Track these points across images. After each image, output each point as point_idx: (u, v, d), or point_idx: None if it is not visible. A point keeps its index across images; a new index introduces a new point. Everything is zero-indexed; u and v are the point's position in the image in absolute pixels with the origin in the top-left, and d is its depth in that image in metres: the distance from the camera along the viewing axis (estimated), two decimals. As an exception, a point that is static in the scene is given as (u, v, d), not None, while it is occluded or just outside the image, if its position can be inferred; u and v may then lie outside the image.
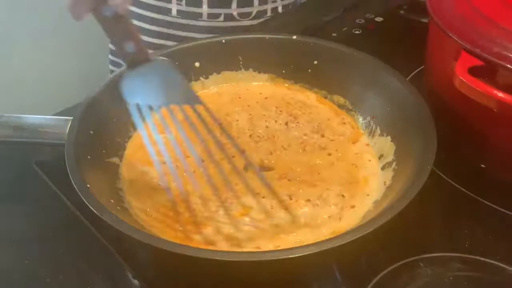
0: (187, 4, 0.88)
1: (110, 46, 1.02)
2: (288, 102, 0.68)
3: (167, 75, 0.52)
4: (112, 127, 0.62)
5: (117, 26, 0.49)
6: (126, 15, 0.49)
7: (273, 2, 0.93)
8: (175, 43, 0.70)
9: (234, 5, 0.88)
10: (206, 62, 0.69)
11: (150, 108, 0.52)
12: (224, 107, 0.67)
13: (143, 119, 0.52)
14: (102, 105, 0.61)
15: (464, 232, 0.56)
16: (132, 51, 0.50)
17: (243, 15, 0.91)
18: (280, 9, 0.95)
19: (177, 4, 0.89)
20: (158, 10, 0.91)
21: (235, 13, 0.90)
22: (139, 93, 0.52)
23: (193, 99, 0.53)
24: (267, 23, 0.93)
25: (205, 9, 0.89)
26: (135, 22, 0.95)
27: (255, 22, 0.92)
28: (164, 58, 0.52)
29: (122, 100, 0.63)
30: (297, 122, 0.66)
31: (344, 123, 0.66)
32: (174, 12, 0.90)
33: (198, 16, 0.89)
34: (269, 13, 0.93)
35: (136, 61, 0.51)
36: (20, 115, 0.60)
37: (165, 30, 0.92)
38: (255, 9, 0.90)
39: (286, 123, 0.65)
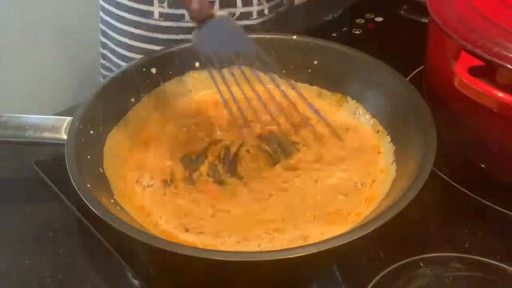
0: (169, 6, 0.88)
1: (101, 50, 1.01)
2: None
3: (230, 28, 0.60)
4: (112, 126, 0.62)
5: None
6: None
7: (259, 4, 0.92)
8: (160, 47, 0.70)
9: (216, 5, 0.88)
10: (206, 62, 0.69)
11: (217, 57, 0.59)
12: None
13: (214, 66, 0.60)
14: (102, 105, 0.61)
15: (464, 232, 0.56)
16: (198, 7, 0.58)
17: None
18: (266, 12, 0.94)
19: (159, 6, 0.89)
20: (140, 13, 0.90)
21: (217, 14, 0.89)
22: (208, 44, 0.59)
23: (252, 49, 0.60)
24: (267, 23, 0.93)
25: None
26: (119, 25, 0.95)
27: (239, 23, 0.91)
28: (224, 14, 0.60)
29: (122, 100, 0.64)
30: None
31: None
32: (156, 15, 0.89)
33: (181, 17, 0.89)
34: (255, 16, 0.92)
35: (202, 18, 0.58)
36: (20, 115, 0.60)
37: (149, 34, 0.92)
38: (238, 10, 0.90)
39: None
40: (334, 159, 0.60)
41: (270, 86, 0.61)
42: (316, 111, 0.61)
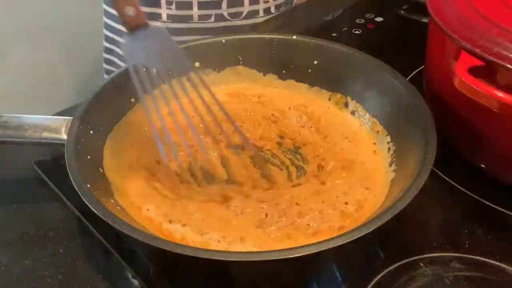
0: (177, 8, 0.88)
1: (105, 43, 1.01)
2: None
3: (164, 42, 0.57)
4: (112, 126, 0.62)
5: None
6: None
7: (265, 2, 0.92)
8: None
9: (224, 5, 0.88)
10: (206, 62, 0.69)
11: (147, 70, 0.56)
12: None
13: (141, 81, 0.55)
14: (102, 105, 0.61)
15: (464, 232, 0.56)
16: (132, 15, 0.55)
17: (233, 15, 0.90)
18: (273, 10, 0.94)
19: (167, 8, 0.89)
20: (147, 16, 0.91)
21: (225, 14, 0.89)
22: (138, 55, 0.56)
23: (186, 66, 0.57)
24: (267, 23, 0.93)
25: (195, 11, 0.89)
26: (122, 28, 0.95)
27: (247, 21, 0.92)
28: (160, 26, 0.55)
29: (122, 100, 0.64)
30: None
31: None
32: (164, 16, 0.90)
33: (189, 18, 0.89)
34: (261, 13, 0.92)
35: (135, 26, 0.56)
36: (20, 115, 0.60)
37: None
38: (245, 9, 0.90)
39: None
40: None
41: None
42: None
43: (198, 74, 0.57)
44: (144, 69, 0.55)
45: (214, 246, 0.51)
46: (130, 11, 0.55)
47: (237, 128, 0.59)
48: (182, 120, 0.56)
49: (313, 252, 0.44)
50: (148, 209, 0.55)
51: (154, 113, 0.55)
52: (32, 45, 1.37)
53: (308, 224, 0.53)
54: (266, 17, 0.94)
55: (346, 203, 0.55)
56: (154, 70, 0.57)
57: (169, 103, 0.56)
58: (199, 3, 0.88)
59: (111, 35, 0.98)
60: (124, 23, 0.56)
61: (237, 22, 0.91)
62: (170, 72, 0.57)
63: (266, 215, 0.54)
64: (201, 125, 0.59)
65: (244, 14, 0.91)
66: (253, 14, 0.92)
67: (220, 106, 0.58)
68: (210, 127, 0.58)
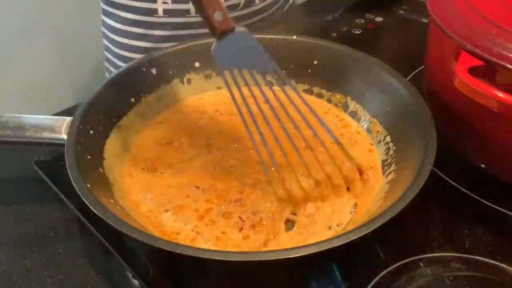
0: (173, 2, 0.88)
1: (104, 41, 1.01)
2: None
3: (249, 44, 0.58)
4: (112, 126, 0.62)
5: None
6: None
7: None
8: (160, 44, 0.70)
9: None
10: (206, 62, 0.69)
11: (238, 72, 0.57)
12: (227, 106, 0.68)
13: (233, 82, 0.57)
14: (102, 105, 0.61)
15: (464, 232, 0.56)
16: (221, 20, 0.56)
17: (231, 7, 0.90)
18: None
19: (163, 3, 0.88)
20: (143, 11, 0.90)
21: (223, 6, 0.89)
22: (228, 59, 0.57)
23: (271, 66, 0.58)
24: (267, 23, 0.93)
25: (191, 5, 0.88)
26: (118, 25, 0.95)
27: (243, 12, 0.91)
28: (245, 28, 0.58)
29: (122, 100, 0.64)
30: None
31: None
32: (160, 11, 0.89)
33: (186, 12, 0.89)
34: (257, 1, 0.92)
35: (224, 30, 0.56)
36: (20, 115, 0.60)
37: (149, 31, 0.92)
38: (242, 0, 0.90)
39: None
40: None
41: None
42: (330, 132, 0.59)
43: (278, 71, 0.59)
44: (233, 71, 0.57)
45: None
46: (219, 16, 0.55)
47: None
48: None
49: (313, 252, 0.44)
50: (144, 206, 0.56)
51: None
52: (32, 45, 1.37)
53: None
54: (262, 4, 0.93)
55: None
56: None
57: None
58: None
59: (109, 33, 0.98)
60: (211, 29, 0.56)
61: (234, 14, 0.91)
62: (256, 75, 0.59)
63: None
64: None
65: (241, 5, 0.90)
66: (249, 3, 0.91)
67: (304, 101, 0.58)
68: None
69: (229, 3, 0.89)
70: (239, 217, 0.54)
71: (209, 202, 0.56)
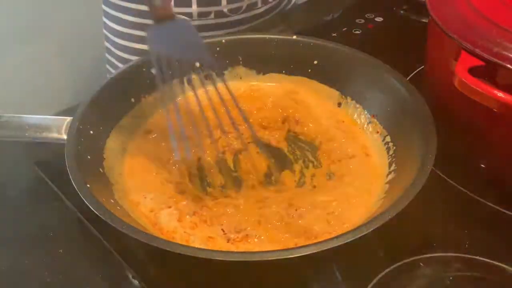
0: (176, 5, 0.88)
1: (106, 44, 1.01)
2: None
3: (188, 34, 0.57)
4: (112, 126, 0.62)
5: None
6: None
7: None
8: None
9: (224, 1, 0.88)
10: (206, 62, 0.69)
11: (170, 59, 0.55)
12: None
13: (161, 71, 0.55)
14: (102, 105, 0.61)
15: (464, 232, 0.56)
16: (160, 5, 0.55)
17: (233, 10, 0.90)
18: None
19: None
20: (145, 14, 0.90)
21: (225, 10, 0.89)
22: (161, 45, 0.56)
23: (207, 60, 0.57)
24: (267, 22, 0.93)
25: (194, 8, 0.88)
26: (116, 26, 0.95)
27: (245, 15, 0.91)
28: (186, 18, 0.56)
29: (122, 100, 0.64)
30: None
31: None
32: None
33: (188, 16, 0.89)
34: (259, 4, 0.92)
35: (161, 16, 0.56)
36: (20, 115, 0.60)
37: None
38: (245, 3, 0.90)
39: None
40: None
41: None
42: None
43: (216, 70, 0.58)
44: (165, 58, 0.56)
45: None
46: (158, 1, 0.55)
47: (249, 123, 0.59)
48: (196, 113, 0.56)
49: (313, 252, 0.44)
50: (144, 205, 0.56)
51: (170, 105, 0.55)
52: (32, 45, 1.37)
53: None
54: (264, 8, 0.93)
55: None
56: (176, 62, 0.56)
57: (185, 94, 0.57)
58: (198, 0, 0.88)
59: (110, 35, 0.98)
60: (150, 12, 0.56)
61: (236, 17, 0.91)
62: (190, 65, 0.57)
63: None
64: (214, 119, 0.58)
65: (243, 8, 0.90)
66: (252, 6, 0.91)
67: (235, 101, 0.57)
68: (224, 120, 0.58)
69: (231, 6, 0.89)
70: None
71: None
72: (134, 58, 0.94)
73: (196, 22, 0.90)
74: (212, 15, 0.89)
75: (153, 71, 0.55)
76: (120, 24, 0.94)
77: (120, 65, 0.98)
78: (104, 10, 0.98)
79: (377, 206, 0.54)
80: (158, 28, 0.56)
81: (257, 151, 0.62)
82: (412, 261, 0.52)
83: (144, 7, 0.89)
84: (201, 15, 0.89)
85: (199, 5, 0.88)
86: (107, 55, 1.03)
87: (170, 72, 0.55)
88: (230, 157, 0.62)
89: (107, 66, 1.04)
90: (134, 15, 0.91)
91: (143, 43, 0.93)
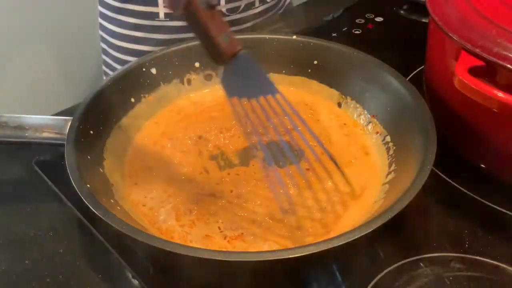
0: None
1: (102, 45, 1.01)
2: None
3: (253, 68, 0.53)
4: (112, 126, 0.62)
5: (212, 19, 0.49)
6: (216, 5, 0.49)
7: None
8: (160, 47, 0.69)
9: (222, 1, 0.88)
10: (206, 62, 0.69)
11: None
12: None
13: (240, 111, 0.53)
14: (102, 105, 0.61)
15: (464, 232, 0.56)
16: (228, 42, 0.51)
17: (231, 10, 0.90)
18: None
19: (165, 7, 0.88)
20: (143, 15, 0.90)
21: (224, 9, 0.89)
22: (236, 87, 0.53)
23: (273, 91, 0.54)
24: (267, 23, 0.93)
25: None
26: (112, 27, 0.95)
27: (243, 15, 0.91)
28: (247, 51, 0.53)
29: (122, 100, 0.64)
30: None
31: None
32: (161, 15, 0.89)
33: None
34: (257, 4, 0.92)
35: (230, 54, 0.52)
36: (20, 115, 0.60)
37: (149, 35, 0.91)
38: (243, 2, 0.90)
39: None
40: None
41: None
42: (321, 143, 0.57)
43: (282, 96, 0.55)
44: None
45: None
46: (226, 37, 0.51)
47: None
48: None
49: (313, 252, 0.44)
50: (144, 205, 0.56)
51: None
52: (32, 46, 1.37)
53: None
54: (262, 7, 0.93)
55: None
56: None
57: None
58: None
59: (106, 36, 0.98)
60: (218, 56, 0.52)
61: (234, 17, 0.91)
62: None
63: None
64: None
65: (241, 8, 0.90)
66: (249, 6, 0.92)
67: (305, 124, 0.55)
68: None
69: (229, 6, 0.89)
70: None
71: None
72: (130, 58, 0.94)
73: None
74: None
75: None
76: (116, 25, 0.94)
77: (116, 65, 0.98)
78: (100, 11, 0.98)
79: (377, 206, 0.54)
80: (229, 69, 0.53)
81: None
82: (412, 261, 0.52)
83: (140, 8, 0.89)
84: None
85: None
86: (103, 55, 1.03)
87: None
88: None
89: (103, 67, 1.04)
90: (130, 16, 0.91)
91: (139, 44, 0.93)
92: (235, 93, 0.53)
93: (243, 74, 0.53)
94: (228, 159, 0.61)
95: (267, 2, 0.94)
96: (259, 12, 0.93)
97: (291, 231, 0.53)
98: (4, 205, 0.60)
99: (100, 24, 0.99)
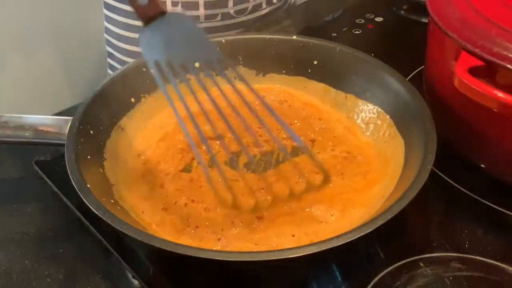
0: (183, 7, 0.88)
1: (108, 49, 1.01)
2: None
3: (185, 29, 0.49)
4: (112, 127, 0.62)
5: None
6: None
7: None
8: None
9: (230, 3, 0.88)
10: (206, 62, 0.69)
11: (170, 65, 0.49)
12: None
13: (165, 78, 0.48)
14: (102, 105, 0.61)
15: (464, 232, 0.56)
16: (144, 3, 0.48)
17: (239, 12, 0.90)
18: (275, 0, 0.95)
19: (173, 9, 0.88)
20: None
21: (231, 11, 0.89)
22: (157, 49, 0.49)
23: (213, 53, 0.50)
24: (267, 23, 0.93)
25: (202, 11, 0.88)
26: (118, 30, 0.95)
27: (251, 16, 0.92)
28: (179, 12, 0.49)
29: (122, 100, 0.64)
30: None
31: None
32: None
33: (195, 18, 0.89)
34: (264, 5, 0.92)
35: (150, 16, 0.48)
36: (20, 115, 0.60)
37: None
38: (250, 4, 0.90)
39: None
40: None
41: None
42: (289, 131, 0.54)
43: (228, 64, 0.50)
44: (166, 64, 0.49)
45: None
46: (141, 0, 0.48)
47: (285, 125, 0.53)
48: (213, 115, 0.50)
49: (313, 252, 0.44)
50: (143, 211, 0.56)
51: (182, 110, 0.49)
52: (32, 45, 1.37)
53: None
54: (268, 9, 0.94)
55: None
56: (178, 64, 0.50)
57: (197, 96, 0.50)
58: (205, 3, 0.88)
59: (111, 39, 0.98)
60: (138, 15, 0.49)
61: (242, 18, 0.91)
62: (196, 64, 0.50)
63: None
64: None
65: (249, 9, 0.91)
66: (256, 7, 0.92)
67: (261, 99, 0.51)
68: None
69: (237, 8, 0.89)
70: None
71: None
72: None
73: (203, 25, 0.90)
74: (219, 17, 0.90)
75: (152, 71, 0.52)
76: (122, 28, 0.94)
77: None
78: (105, 14, 0.98)
79: (377, 206, 0.54)
80: (151, 29, 0.49)
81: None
82: (412, 261, 0.52)
83: None
84: (208, 17, 0.89)
85: (206, 8, 0.88)
86: (108, 59, 1.03)
87: (173, 77, 0.49)
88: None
89: (108, 71, 1.04)
90: (136, 19, 0.91)
91: None
92: (156, 56, 0.48)
93: (171, 35, 0.48)
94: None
95: (274, 4, 0.94)
96: (266, 14, 0.93)
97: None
98: (4, 205, 0.60)
99: (106, 27, 0.99)
